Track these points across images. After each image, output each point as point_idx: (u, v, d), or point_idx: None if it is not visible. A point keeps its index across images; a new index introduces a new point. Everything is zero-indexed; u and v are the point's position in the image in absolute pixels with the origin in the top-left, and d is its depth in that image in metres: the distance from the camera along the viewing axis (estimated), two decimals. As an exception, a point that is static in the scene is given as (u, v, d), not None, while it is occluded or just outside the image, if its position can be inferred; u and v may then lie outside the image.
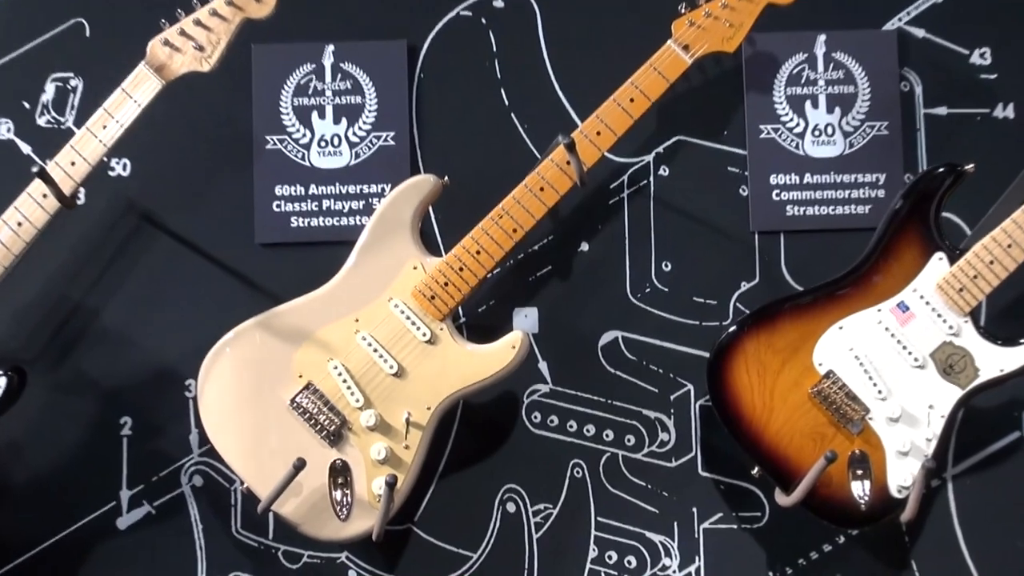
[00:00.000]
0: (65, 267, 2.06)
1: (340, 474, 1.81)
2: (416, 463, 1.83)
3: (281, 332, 1.84)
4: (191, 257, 2.07)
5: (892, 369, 1.83)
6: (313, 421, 1.82)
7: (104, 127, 1.80)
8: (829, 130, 2.07)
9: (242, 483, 1.83)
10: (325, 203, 2.08)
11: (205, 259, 2.07)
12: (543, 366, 2.06)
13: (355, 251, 1.87)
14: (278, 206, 2.08)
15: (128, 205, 2.09)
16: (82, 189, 1.86)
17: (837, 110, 2.08)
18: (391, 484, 1.76)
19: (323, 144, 2.08)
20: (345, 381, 1.83)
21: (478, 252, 1.85)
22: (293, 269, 2.06)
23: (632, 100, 1.87)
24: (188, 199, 2.08)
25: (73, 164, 1.80)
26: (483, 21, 2.09)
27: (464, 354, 1.84)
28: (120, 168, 2.09)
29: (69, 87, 2.09)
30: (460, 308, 2.03)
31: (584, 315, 2.07)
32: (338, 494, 1.81)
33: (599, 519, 2.03)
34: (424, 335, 1.84)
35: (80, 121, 1.97)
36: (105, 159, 1.83)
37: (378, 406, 1.83)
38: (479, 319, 2.06)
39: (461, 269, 1.85)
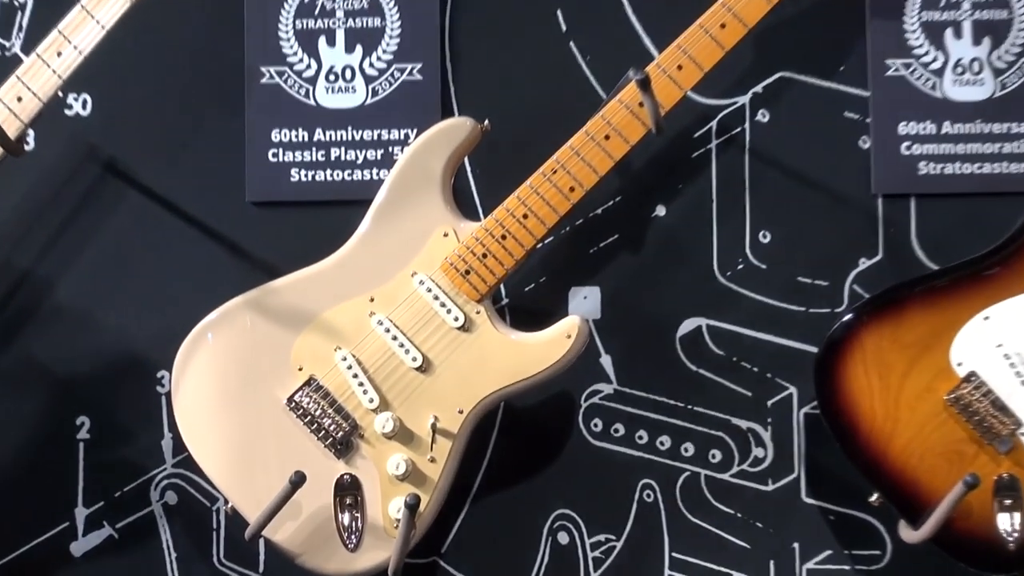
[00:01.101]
0: (10, 228, 2.08)
1: (349, 492, 1.82)
2: (444, 480, 1.83)
3: (277, 314, 1.85)
4: (166, 218, 2.09)
5: (1053, 372, 1.86)
6: (316, 426, 1.83)
7: (59, 54, 1.80)
8: (975, 66, 2.05)
9: (226, 502, 1.84)
10: (334, 152, 2.08)
11: (183, 220, 2.08)
12: (606, 361, 2.07)
13: (371, 213, 1.88)
14: (275, 155, 2.09)
15: (88, 152, 2.10)
16: (31, 131, 1.89)
17: (986, 41, 2.06)
18: (412, 506, 1.75)
19: (332, 78, 2.09)
20: (356, 376, 1.84)
21: (525, 216, 1.85)
22: (293, 234, 2.07)
23: (723, 26, 1.86)
24: (163, 146, 2.10)
25: (20, 100, 1.81)
26: (535, -78, 2.10)
27: (506, 344, 1.84)
28: (79, 106, 2.11)
29: (16, 4, 2.11)
30: (502, 286, 2.03)
31: (659, 297, 2.07)
32: (346, 518, 1.81)
33: (674, 555, 2.04)
34: (456, 320, 1.84)
35: (29, 47, 1.96)
36: (60, 94, 1.86)
37: (397, 408, 1.83)
38: (526, 300, 2.07)
39: (504, 237, 1.85)
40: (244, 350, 1.85)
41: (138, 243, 2.08)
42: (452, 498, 1.85)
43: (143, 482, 2.06)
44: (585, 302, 2.07)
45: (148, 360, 2.07)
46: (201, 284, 2.05)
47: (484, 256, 1.85)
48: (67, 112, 2.10)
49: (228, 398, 1.85)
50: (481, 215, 2.03)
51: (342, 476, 1.82)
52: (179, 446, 1.99)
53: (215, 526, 2.06)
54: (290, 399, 1.84)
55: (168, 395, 2.02)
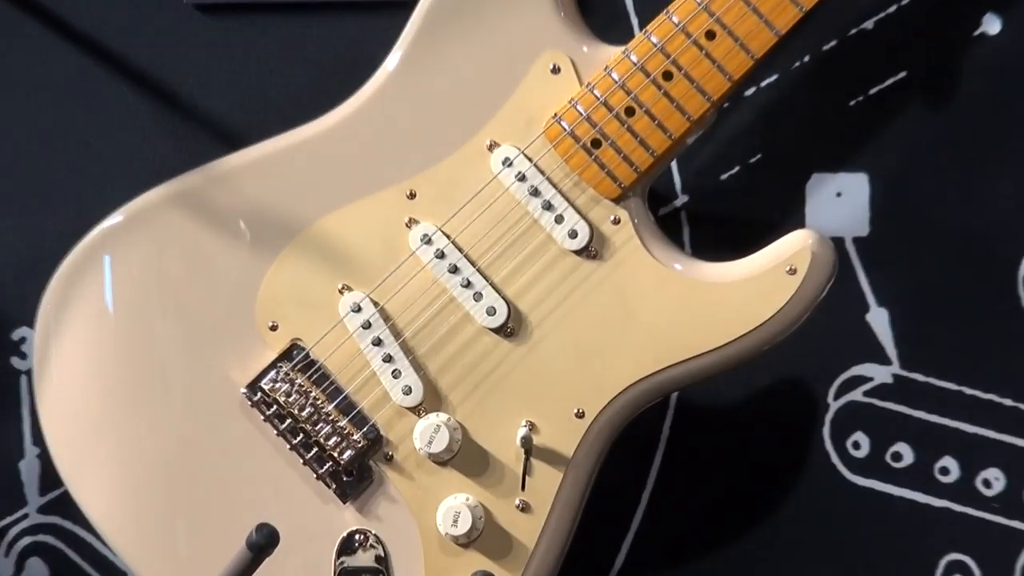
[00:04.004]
0: None
1: (364, 569, 1.83)
2: (548, 547, 1.81)
3: (232, 220, 1.86)
4: (41, 37, 2.15)
5: None
6: (301, 437, 1.82)
7: None
8: None
9: (136, 576, 1.83)
10: (343, -91, 2.06)
11: (72, 42, 2.15)
12: (879, 320, 2.10)
13: (410, 31, 1.86)
14: (236, -81, 2.08)
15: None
16: None
17: None
18: (486, 597, 1.72)
19: None
20: (380, 343, 1.82)
21: (711, 35, 1.79)
22: (267, 68, 2.15)
23: None
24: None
25: None
26: None
27: (673, 284, 1.80)
28: None
29: None
30: (675, 170, 2.09)
31: (987, 199, 2.10)
32: (359, 611, 1.82)
33: None
34: (574, 236, 1.80)
35: None
36: None
37: (457, 407, 1.82)
38: (717, 200, 2.09)
39: (668, 76, 1.79)
40: (170, 290, 1.86)
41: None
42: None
43: (-11, 538, 2.05)
44: (838, 203, 2.10)
45: (-5, 309, 2.06)
46: (97, 160, 2.14)
47: (630, 112, 1.79)
48: None
49: (138, 383, 1.85)
50: (636, 28, 2.04)
51: (351, 535, 1.82)
52: (51, 475, 2.00)
53: (117, 618, 2.03)
54: (253, 386, 1.83)
55: (30, 375, 2.05)
